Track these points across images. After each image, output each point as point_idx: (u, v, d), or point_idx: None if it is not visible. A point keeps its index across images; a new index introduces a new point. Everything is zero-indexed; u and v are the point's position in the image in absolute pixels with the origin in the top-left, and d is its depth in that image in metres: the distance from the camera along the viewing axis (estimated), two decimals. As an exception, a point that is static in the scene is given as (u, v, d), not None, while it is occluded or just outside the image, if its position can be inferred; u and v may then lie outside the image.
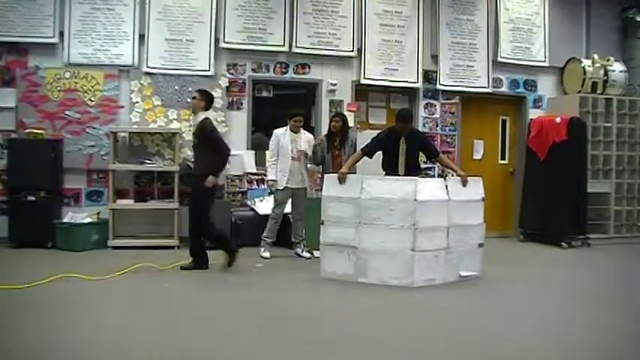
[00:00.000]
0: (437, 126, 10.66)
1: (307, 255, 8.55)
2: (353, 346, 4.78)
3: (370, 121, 10.40)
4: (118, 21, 9.33)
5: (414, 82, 10.40)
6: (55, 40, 9.20)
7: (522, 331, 5.25)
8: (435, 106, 10.65)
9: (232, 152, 9.31)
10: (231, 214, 9.19)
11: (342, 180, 7.09)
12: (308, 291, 6.71)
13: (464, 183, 7.17)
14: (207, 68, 9.53)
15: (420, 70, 10.43)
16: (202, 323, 5.31)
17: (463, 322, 5.52)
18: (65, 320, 5.35)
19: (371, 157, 7.64)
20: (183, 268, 7.50)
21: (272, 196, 8.76)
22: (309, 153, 8.61)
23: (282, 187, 8.43)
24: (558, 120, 10.16)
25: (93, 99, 9.24)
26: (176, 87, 9.43)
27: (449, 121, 10.72)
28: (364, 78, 10.16)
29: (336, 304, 6.15)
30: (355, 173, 7.57)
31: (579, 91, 10.69)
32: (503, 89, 11.04)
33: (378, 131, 8.23)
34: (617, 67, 10.79)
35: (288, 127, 8.51)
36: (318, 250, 7.52)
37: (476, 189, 7.32)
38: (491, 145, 11.24)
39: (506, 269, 7.96)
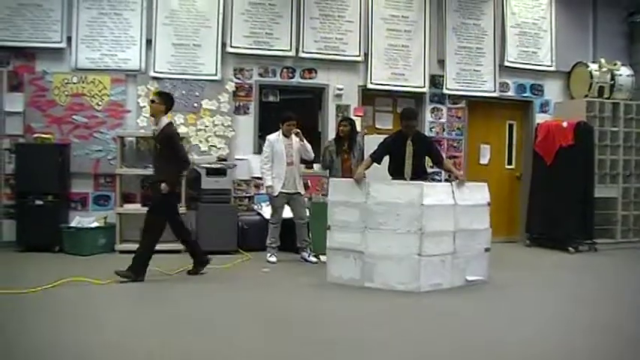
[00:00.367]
0: (443, 130, 10.66)
1: (314, 259, 8.54)
2: (357, 349, 4.77)
3: (377, 126, 10.41)
4: (125, 26, 9.37)
5: (421, 87, 10.41)
6: (63, 45, 9.25)
7: (528, 335, 5.23)
8: (442, 110, 10.65)
9: (240, 157, 9.47)
10: (238, 219, 9.20)
11: (359, 182, 7.04)
12: (314, 295, 6.71)
13: (460, 183, 7.13)
14: (214, 73, 9.56)
15: (427, 74, 10.44)
16: (207, 326, 5.32)
17: (469, 327, 5.50)
18: (71, 324, 5.35)
19: (379, 163, 7.63)
20: (190, 272, 7.53)
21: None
22: (307, 155, 8.64)
23: (276, 194, 8.44)
24: (565, 124, 10.14)
25: (100, 103, 9.28)
26: (183, 92, 9.45)
27: (455, 125, 10.72)
28: (371, 83, 10.17)
29: (341, 308, 6.14)
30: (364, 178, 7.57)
31: (586, 96, 10.68)
32: (510, 94, 11.04)
33: (385, 136, 8.21)
34: (623, 72, 10.78)
35: (281, 132, 8.52)
36: (325, 254, 7.52)
37: (481, 194, 7.31)
38: (498, 149, 11.24)
39: (513, 274, 7.94)
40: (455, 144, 10.71)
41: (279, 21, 9.78)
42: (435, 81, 10.56)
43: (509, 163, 11.33)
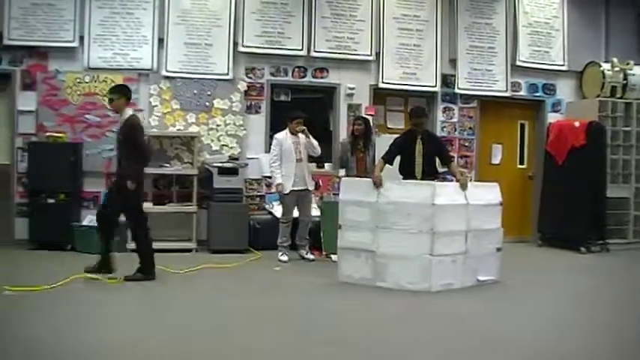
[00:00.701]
0: (455, 130, 10.63)
1: (311, 257, 8.62)
2: (370, 349, 4.77)
3: (388, 125, 10.39)
4: (138, 25, 9.39)
5: (433, 86, 10.39)
6: (75, 44, 9.28)
7: (539, 336, 5.23)
8: (454, 110, 10.63)
9: (251, 156, 9.48)
10: (249, 218, 9.21)
11: (378, 184, 7.02)
12: (325, 294, 6.72)
13: (462, 187, 7.09)
14: (226, 72, 9.57)
15: (439, 74, 10.42)
16: (216, 325, 5.34)
17: (480, 327, 5.49)
18: (80, 321, 5.38)
19: (391, 164, 7.65)
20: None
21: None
22: (314, 152, 8.65)
23: (288, 192, 8.45)
24: (577, 124, 10.10)
25: (112, 103, 9.30)
26: (195, 91, 9.47)
27: (467, 125, 10.69)
28: (382, 82, 10.15)
29: (353, 307, 6.15)
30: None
31: (598, 95, 10.62)
32: (522, 93, 10.99)
33: (396, 135, 8.23)
34: (636, 71, 10.69)
35: (288, 130, 8.54)
36: (336, 254, 7.53)
37: (493, 193, 7.29)
38: (510, 149, 11.20)
39: (524, 274, 7.91)
40: (466, 144, 10.68)
41: (290, 20, 9.78)
42: (447, 80, 10.53)
43: (521, 162, 11.30)
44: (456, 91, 10.55)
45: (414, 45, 10.32)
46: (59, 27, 9.23)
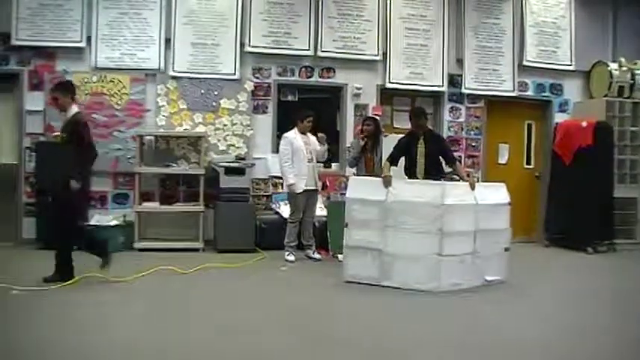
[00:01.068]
0: (462, 130, 10.61)
1: (318, 256, 8.63)
2: (377, 348, 4.77)
3: (395, 125, 10.36)
4: (145, 25, 9.41)
5: (439, 86, 10.37)
6: (83, 44, 9.30)
7: (547, 337, 5.22)
8: (460, 110, 10.61)
9: (258, 156, 9.48)
10: (255, 218, 9.21)
11: (387, 183, 7.00)
12: (331, 294, 6.73)
13: (471, 187, 7.09)
14: (233, 72, 9.58)
15: (445, 73, 10.40)
16: (222, 325, 5.35)
17: (487, 328, 5.51)
18: (87, 320, 5.43)
19: (396, 165, 7.64)
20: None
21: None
22: (322, 157, 8.72)
23: (300, 191, 8.44)
24: (584, 124, 10.08)
25: (119, 102, 9.33)
26: (202, 91, 9.49)
27: (474, 125, 10.67)
28: (389, 82, 10.15)
29: (360, 307, 6.16)
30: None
31: (606, 95, 10.59)
32: (529, 93, 10.97)
33: (402, 136, 8.22)
34: (644, 71, 10.68)
35: (297, 129, 8.55)
36: (343, 253, 7.51)
37: (502, 193, 7.28)
38: (517, 149, 11.17)
39: (531, 274, 7.92)
40: (473, 143, 10.66)
41: (297, 20, 9.78)
42: (454, 80, 10.52)
43: (528, 162, 11.27)
44: (463, 91, 10.54)
45: (421, 45, 10.31)
46: (67, 27, 9.26)
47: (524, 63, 10.77)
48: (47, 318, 5.47)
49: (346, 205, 7.21)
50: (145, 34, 9.41)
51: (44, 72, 9.26)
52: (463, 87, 10.52)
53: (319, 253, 8.72)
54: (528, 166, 11.27)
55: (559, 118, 10.94)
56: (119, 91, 9.32)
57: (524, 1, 10.76)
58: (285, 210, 9.15)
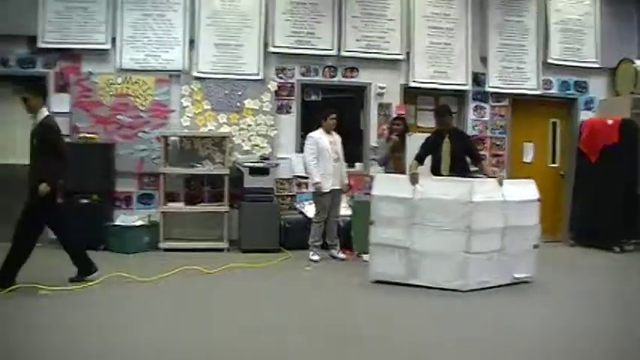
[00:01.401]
0: (486, 129, 10.53)
1: (342, 256, 8.62)
2: (405, 348, 4.73)
3: (419, 125, 10.32)
4: (169, 27, 9.46)
5: (463, 85, 10.31)
6: (108, 46, 9.37)
7: (574, 334, 5.17)
8: (485, 108, 10.53)
9: (282, 156, 9.49)
10: (280, 218, 9.22)
11: (414, 180, 6.95)
12: (357, 293, 6.69)
13: (499, 183, 7.03)
14: (257, 72, 9.60)
15: (469, 72, 10.33)
16: (247, 325, 5.34)
17: (517, 327, 5.46)
18: (112, 320, 5.48)
19: (422, 164, 7.60)
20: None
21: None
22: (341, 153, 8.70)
23: (327, 190, 8.44)
24: (610, 122, 9.98)
25: (144, 103, 9.39)
26: (226, 91, 9.52)
27: (498, 123, 10.60)
28: (413, 81, 10.10)
29: (385, 306, 6.11)
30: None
31: (632, 93, 10.46)
32: (554, 91, 10.86)
33: (427, 134, 8.18)
34: (670, 68, 10.55)
35: (322, 129, 8.55)
36: (367, 253, 7.49)
37: (530, 190, 7.23)
38: (542, 147, 11.07)
39: (559, 273, 7.83)
40: (498, 142, 10.59)
41: (320, 20, 9.78)
42: (478, 79, 10.45)
43: (553, 161, 11.16)
44: (487, 89, 10.47)
45: (445, 43, 10.26)
46: (92, 29, 9.34)
47: (549, 61, 10.68)
48: (72, 318, 5.51)
49: (372, 203, 7.16)
50: (169, 35, 9.46)
51: (70, 74, 9.36)
52: (487, 85, 10.45)
53: (344, 252, 8.70)
54: (553, 165, 11.16)
55: (584, 115, 10.83)
56: (144, 92, 9.37)
57: (548, -1, 10.70)
58: (309, 210, 9.14)
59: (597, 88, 11.03)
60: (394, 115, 9.63)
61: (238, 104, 9.56)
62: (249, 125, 9.60)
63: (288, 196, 9.72)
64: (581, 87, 10.97)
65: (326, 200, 8.51)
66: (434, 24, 10.23)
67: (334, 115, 8.54)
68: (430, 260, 6.67)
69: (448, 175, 7.42)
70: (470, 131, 10.16)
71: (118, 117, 9.32)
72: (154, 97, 9.40)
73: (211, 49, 9.53)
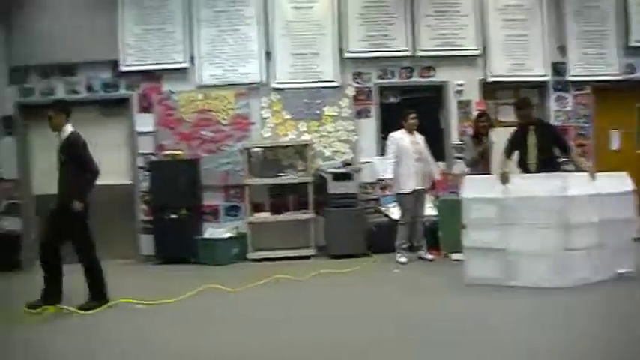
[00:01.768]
0: (569, 119, 10.26)
1: (430, 257, 8.58)
2: (513, 352, 4.62)
3: (500, 119, 10.15)
4: (244, 40, 9.63)
5: (543, 75, 10.08)
6: (187, 64, 9.62)
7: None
8: (567, 98, 10.26)
9: (364, 160, 9.49)
10: (365, 222, 9.23)
11: (505, 180, 6.84)
12: (450, 295, 6.54)
13: (591, 176, 6.85)
14: (334, 79, 9.64)
15: (548, 62, 10.09)
16: (340, 329, 5.33)
17: (622, 325, 5.24)
18: (211, 329, 5.59)
19: (510, 158, 7.47)
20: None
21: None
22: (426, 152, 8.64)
23: (410, 191, 8.39)
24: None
25: (225, 118, 9.57)
26: (304, 100, 9.61)
27: (581, 113, 10.30)
28: (491, 75, 9.95)
29: (480, 308, 5.94)
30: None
31: None
32: (638, 75, 10.49)
33: (510, 129, 8.03)
34: None
35: (404, 129, 8.52)
36: (458, 252, 7.42)
37: (624, 182, 7.01)
38: (628, 134, 10.72)
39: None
40: (582, 132, 10.30)
41: (393, 21, 9.74)
42: (558, 68, 10.18)
43: (641, 147, 10.81)
44: (568, 78, 10.20)
45: (520, 35, 10.05)
46: (170, 49, 9.62)
47: (630, 44, 10.31)
48: (162, 329, 5.65)
49: (463, 206, 7.04)
50: (245, 48, 9.62)
51: (152, 94, 9.65)
52: (567, 74, 10.18)
53: (431, 253, 8.65)
54: (641, 151, 10.81)
55: (672, 98, 10.44)
56: (224, 106, 9.56)
57: (625, -19, 10.34)
58: (394, 212, 9.12)
59: (683, 68, 10.59)
60: (476, 112, 9.49)
61: (317, 112, 9.63)
62: (330, 132, 9.66)
63: (372, 199, 9.70)
64: (666, 68, 10.56)
65: (410, 201, 8.48)
66: (508, 16, 10.04)
67: (414, 115, 8.50)
68: (527, 260, 6.51)
69: (536, 169, 7.27)
70: (552, 122, 9.90)
71: (201, 132, 9.52)
72: (235, 110, 9.58)
73: (287, 60, 9.64)
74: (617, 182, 6.95)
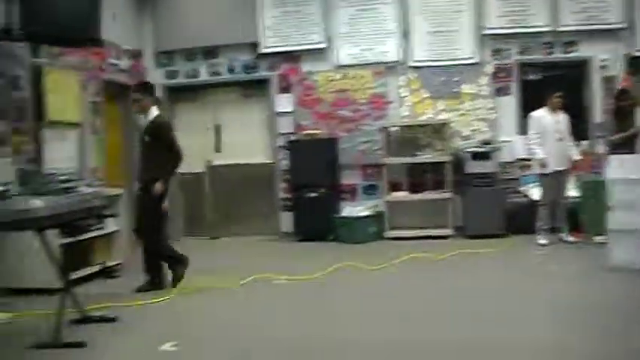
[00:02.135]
0: None
1: (571, 239, 8.32)
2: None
3: (647, 96, 9.73)
4: (381, 19, 9.65)
5: (696, 49, 9.55)
6: (325, 44, 9.76)
7: None
8: None
9: (503, 139, 9.35)
10: (504, 202, 9.11)
11: None
12: (590, 280, 6.27)
13: None
14: (472, 56, 9.51)
15: (701, 33, 9.53)
16: (473, 311, 5.26)
17: None
18: (345, 308, 5.68)
19: None
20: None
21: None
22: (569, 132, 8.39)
23: (551, 171, 8.20)
24: None
25: (363, 97, 9.66)
26: (442, 78, 9.53)
27: None
28: (636, 50, 9.50)
29: (631, 293, 5.69)
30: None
31: None
32: None
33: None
34: None
35: (547, 108, 8.29)
36: (601, 235, 7.24)
37: None
38: None
39: None
40: None
41: (533, -4, 9.49)
42: None
43: None
44: None
45: (670, 6, 9.55)
46: (308, 30, 9.78)
47: None
48: (304, 306, 5.85)
49: (609, 186, 6.82)
50: (383, 27, 9.64)
51: (291, 75, 9.87)
52: None
53: (573, 235, 8.41)
54: None
55: None
56: (362, 85, 9.66)
57: None
58: (534, 192, 8.93)
59: None
60: (619, 88, 9.10)
61: (455, 90, 9.53)
62: (468, 110, 9.54)
63: (511, 179, 9.53)
64: None
65: (551, 181, 8.29)
66: (657, -14, 9.55)
67: (559, 94, 8.27)
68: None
69: None
70: None
71: (339, 112, 9.67)
72: (372, 89, 9.65)
73: (425, 38, 9.58)
74: None
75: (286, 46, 9.83)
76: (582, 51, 9.55)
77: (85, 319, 5.26)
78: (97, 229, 7.19)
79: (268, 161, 10.12)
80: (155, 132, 6.45)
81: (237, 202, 10.19)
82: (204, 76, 10.18)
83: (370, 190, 9.78)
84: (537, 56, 9.59)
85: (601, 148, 8.89)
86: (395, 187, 9.58)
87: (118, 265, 7.50)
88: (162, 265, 6.57)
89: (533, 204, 8.70)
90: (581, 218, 8.52)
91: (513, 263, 7.36)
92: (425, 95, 9.60)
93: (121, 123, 9.41)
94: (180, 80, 10.26)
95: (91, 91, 8.48)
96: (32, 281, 6.39)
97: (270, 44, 9.84)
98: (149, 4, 10.23)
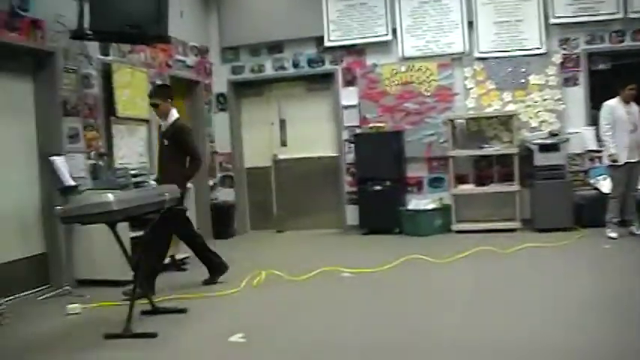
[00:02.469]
0: None
1: None
2: None
3: None
4: (446, 11, 9.57)
5: None
6: (389, 37, 9.75)
7: None
8: None
9: (571, 130, 9.20)
10: (573, 195, 8.96)
11: None
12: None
13: None
14: (539, 46, 9.35)
15: None
16: (541, 308, 5.18)
17: None
18: (411, 300, 5.74)
19: None
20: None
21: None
22: None
23: (622, 163, 8.04)
24: None
25: (429, 89, 9.64)
26: (509, 69, 9.40)
27: None
28: None
29: None
30: None
31: None
32: None
33: None
34: None
35: (620, 98, 8.10)
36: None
37: None
38: None
39: None
40: None
41: (603, -17, 9.27)
42: None
43: None
44: None
45: None
46: (373, 23, 9.78)
47: None
48: (372, 298, 5.91)
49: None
50: (448, 19, 9.57)
51: (356, 68, 9.92)
52: None
53: (645, 230, 8.25)
54: None
55: None
56: (427, 77, 9.62)
57: None
58: (604, 185, 8.78)
59: None
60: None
61: (522, 81, 9.40)
62: (536, 101, 9.39)
63: (580, 171, 9.38)
64: None
65: (622, 174, 8.12)
66: None
67: (633, 86, 8.06)
68: None
69: None
70: None
71: (404, 104, 9.67)
72: (438, 81, 9.61)
73: (490, 28, 9.46)
74: None
75: (351, 39, 9.87)
76: (654, 38, 9.29)
77: (156, 311, 5.48)
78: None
79: (333, 154, 10.22)
80: (174, 136, 6.46)
81: (302, 195, 10.33)
82: (269, 71, 10.33)
83: (436, 182, 9.77)
84: (607, 45, 9.36)
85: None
86: (461, 179, 9.54)
87: (186, 257, 7.69)
88: (211, 251, 6.76)
89: (604, 196, 8.55)
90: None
91: (582, 257, 7.24)
92: (491, 87, 9.49)
93: (187, 119, 9.60)
94: (246, 75, 10.43)
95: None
96: (103, 273, 6.68)
97: (334, 38, 9.90)
98: (215, 1, 10.42)
